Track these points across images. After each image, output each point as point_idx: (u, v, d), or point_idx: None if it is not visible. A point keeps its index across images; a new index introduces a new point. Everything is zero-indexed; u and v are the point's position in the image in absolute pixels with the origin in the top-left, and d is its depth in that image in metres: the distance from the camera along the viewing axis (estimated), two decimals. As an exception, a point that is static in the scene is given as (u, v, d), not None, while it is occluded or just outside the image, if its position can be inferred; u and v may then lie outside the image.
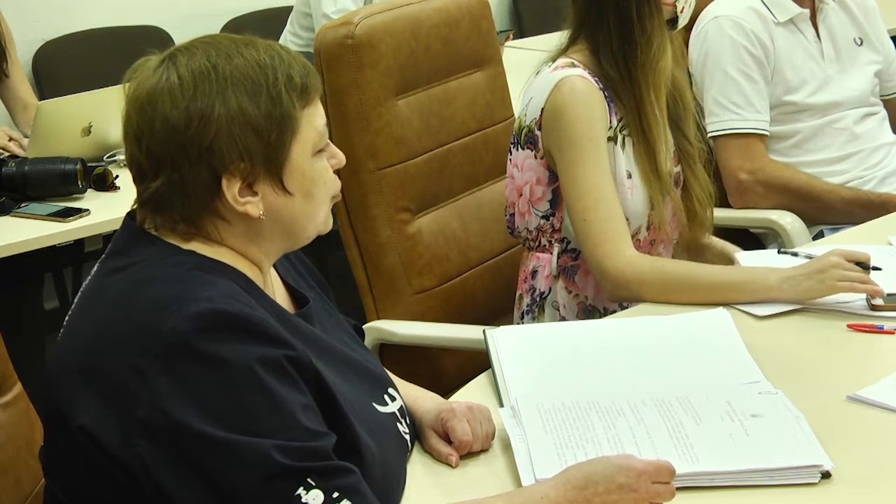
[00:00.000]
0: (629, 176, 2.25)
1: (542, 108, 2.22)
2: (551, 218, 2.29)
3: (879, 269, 2.08)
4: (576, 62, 2.23)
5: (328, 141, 1.50)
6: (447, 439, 1.62)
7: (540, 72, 2.27)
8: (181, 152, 1.38)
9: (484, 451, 1.63)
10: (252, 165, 1.40)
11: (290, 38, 4.28)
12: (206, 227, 1.44)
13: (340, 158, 1.52)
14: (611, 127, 2.22)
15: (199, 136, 1.38)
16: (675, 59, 2.29)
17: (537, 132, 2.24)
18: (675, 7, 2.22)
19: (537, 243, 2.33)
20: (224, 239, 1.44)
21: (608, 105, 2.22)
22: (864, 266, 2.05)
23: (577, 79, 2.20)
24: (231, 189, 1.40)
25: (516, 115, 2.33)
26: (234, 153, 1.38)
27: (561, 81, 2.20)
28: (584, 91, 2.19)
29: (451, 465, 1.60)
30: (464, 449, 1.61)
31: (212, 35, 1.47)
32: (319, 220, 1.49)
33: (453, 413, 1.63)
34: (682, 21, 2.25)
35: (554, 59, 2.26)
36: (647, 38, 2.19)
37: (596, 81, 2.21)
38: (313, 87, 1.45)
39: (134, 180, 1.45)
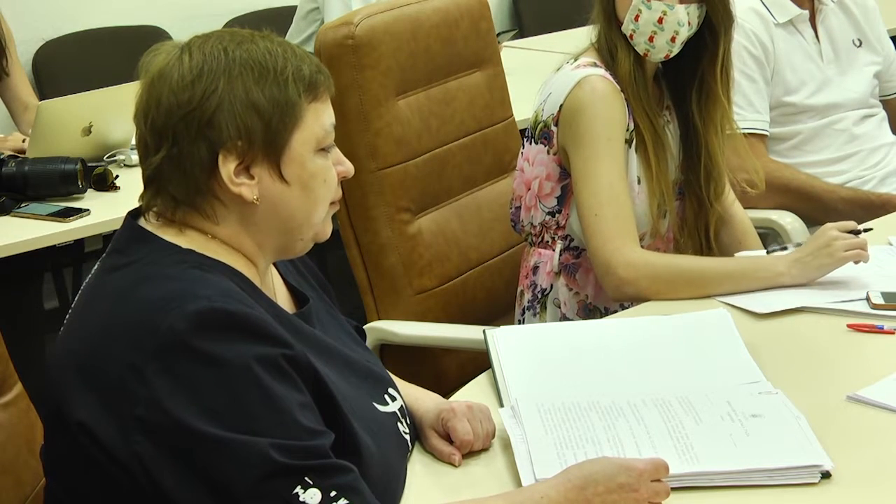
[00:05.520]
0: (639, 181, 2.25)
1: (561, 105, 2.22)
2: (557, 215, 2.29)
3: (871, 229, 2.11)
4: (597, 62, 2.24)
5: (335, 145, 1.50)
6: (448, 439, 1.62)
7: (561, 68, 2.28)
8: (182, 125, 1.40)
9: (484, 450, 1.63)
10: (250, 145, 1.41)
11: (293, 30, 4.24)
12: (204, 208, 1.44)
13: (348, 167, 1.52)
14: (628, 129, 2.23)
15: (200, 109, 1.40)
16: (707, 98, 2.29)
17: (553, 128, 2.24)
18: (622, 21, 2.22)
19: (540, 239, 2.33)
20: (220, 222, 1.45)
21: (627, 107, 2.22)
22: (856, 233, 2.09)
23: (597, 79, 2.20)
24: (227, 167, 1.41)
25: (532, 110, 2.32)
26: (232, 130, 1.40)
27: (582, 80, 2.20)
28: (604, 91, 2.19)
29: (454, 465, 1.60)
30: (465, 448, 1.61)
31: (231, 28, 1.48)
32: (316, 221, 1.49)
33: (454, 413, 1.63)
34: (638, 45, 2.21)
35: (576, 58, 2.27)
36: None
37: (617, 83, 2.21)
38: (323, 84, 1.47)
39: (140, 162, 1.46)
